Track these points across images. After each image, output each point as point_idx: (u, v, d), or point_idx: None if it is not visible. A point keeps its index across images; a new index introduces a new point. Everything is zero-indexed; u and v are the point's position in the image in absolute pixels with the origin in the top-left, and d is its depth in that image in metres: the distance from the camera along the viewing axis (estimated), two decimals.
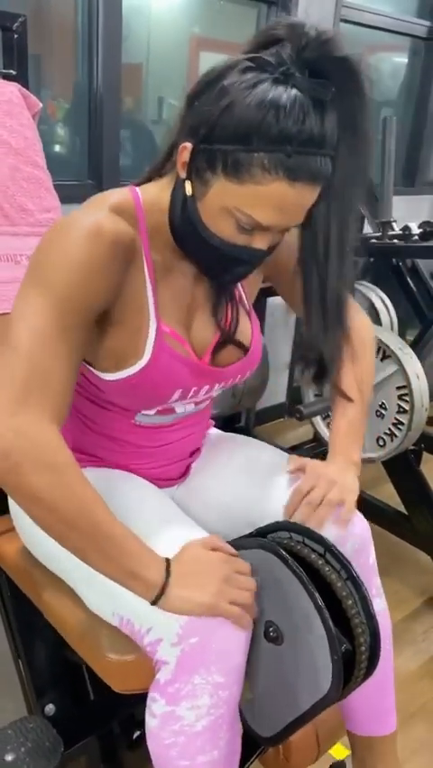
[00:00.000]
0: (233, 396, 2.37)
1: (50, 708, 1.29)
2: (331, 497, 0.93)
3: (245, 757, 1.05)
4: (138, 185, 0.89)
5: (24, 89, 1.41)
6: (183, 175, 0.80)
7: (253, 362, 1.00)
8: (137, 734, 1.35)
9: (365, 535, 0.98)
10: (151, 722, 0.84)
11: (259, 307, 2.74)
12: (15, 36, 1.61)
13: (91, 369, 0.89)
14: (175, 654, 0.81)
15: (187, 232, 0.83)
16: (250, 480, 1.05)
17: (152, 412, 0.95)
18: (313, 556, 0.83)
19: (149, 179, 0.90)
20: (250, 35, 0.77)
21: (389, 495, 2.31)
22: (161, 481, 1.06)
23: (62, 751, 1.17)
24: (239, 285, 0.99)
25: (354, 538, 0.95)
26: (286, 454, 1.09)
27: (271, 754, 1.07)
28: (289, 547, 0.84)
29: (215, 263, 0.85)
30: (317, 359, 0.94)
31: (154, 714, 0.84)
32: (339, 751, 1.63)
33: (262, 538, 0.88)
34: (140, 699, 1.33)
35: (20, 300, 0.79)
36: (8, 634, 1.34)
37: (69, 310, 0.78)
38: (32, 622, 1.30)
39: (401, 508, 2.17)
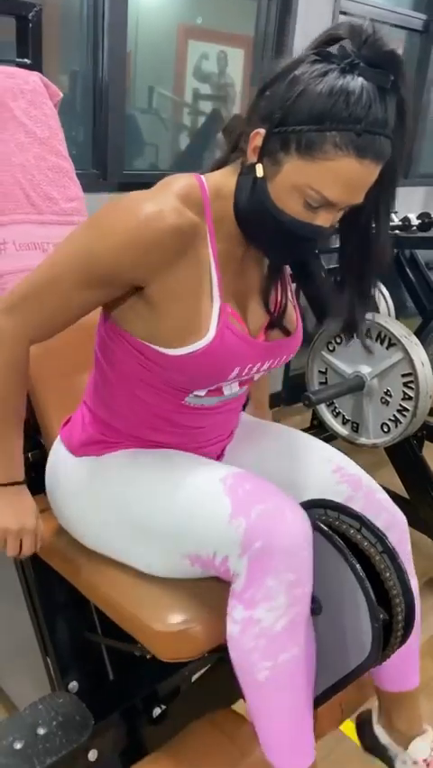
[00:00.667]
0: None
1: (73, 686, 1.33)
2: None
3: None
4: (201, 174, 0.94)
5: (45, 79, 1.42)
6: (254, 159, 0.86)
7: (295, 345, 1.06)
8: (158, 711, 1.39)
9: (404, 527, 1.10)
10: (232, 629, 0.88)
11: None
12: (30, 25, 1.62)
13: (154, 346, 0.93)
14: (244, 565, 0.86)
15: (254, 213, 0.88)
16: (286, 465, 1.10)
17: (202, 393, 0.99)
18: (351, 531, 0.87)
19: (213, 170, 0.95)
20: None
21: (388, 479, 2.36)
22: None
23: (93, 724, 1.21)
24: (287, 276, 1.05)
25: (399, 526, 1.07)
26: (321, 441, 1.15)
27: None
28: (327, 522, 0.88)
29: (280, 243, 0.90)
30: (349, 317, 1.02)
31: (235, 620, 0.88)
32: (348, 727, 1.69)
33: None
34: (159, 678, 1.38)
35: (68, 239, 0.92)
36: (32, 614, 1.37)
37: (94, 273, 0.89)
38: (56, 602, 1.34)
39: (402, 492, 2.23)
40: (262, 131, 0.84)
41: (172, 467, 1.00)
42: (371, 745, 1.21)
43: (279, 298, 1.02)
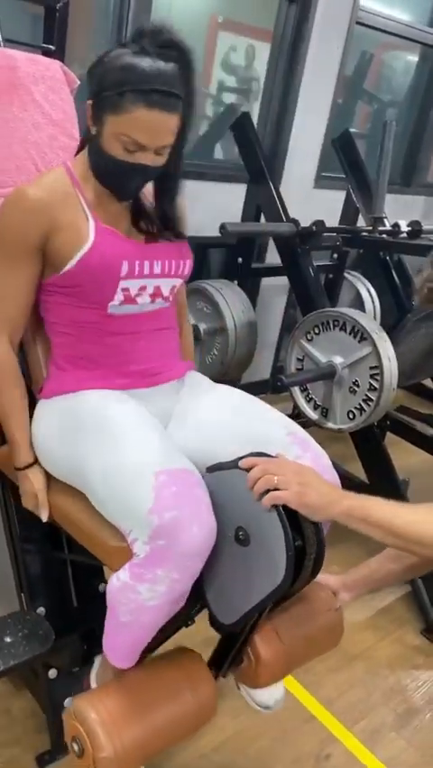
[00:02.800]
0: (221, 364, 2.57)
1: (41, 611, 1.50)
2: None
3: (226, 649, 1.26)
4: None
5: (65, 67, 1.57)
6: (91, 124, 1.16)
7: (179, 250, 1.30)
8: None
9: None
10: (114, 582, 1.09)
11: (252, 287, 2.93)
12: (57, 15, 1.78)
13: (56, 275, 1.21)
14: (146, 551, 1.04)
15: (96, 160, 1.19)
16: (243, 422, 1.26)
17: (117, 302, 1.22)
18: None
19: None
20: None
21: (355, 469, 2.53)
22: (146, 378, 1.29)
23: (53, 639, 1.38)
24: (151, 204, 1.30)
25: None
26: (274, 408, 1.30)
27: (246, 666, 1.27)
28: None
29: (116, 179, 1.18)
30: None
31: (119, 578, 1.08)
32: (291, 683, 1.86)
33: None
34: None
35: None
36: (9, 544, 1.54)
37: (11, 255, 1.19)
38: (33, 536, 1.51)
39: (365, 478, 2.40)
40: (90, 102, 1.14)
41: (124, 430, 1.14)
42: None
43: (151, 223, 1.27)
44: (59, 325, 1.27)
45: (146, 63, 1.08)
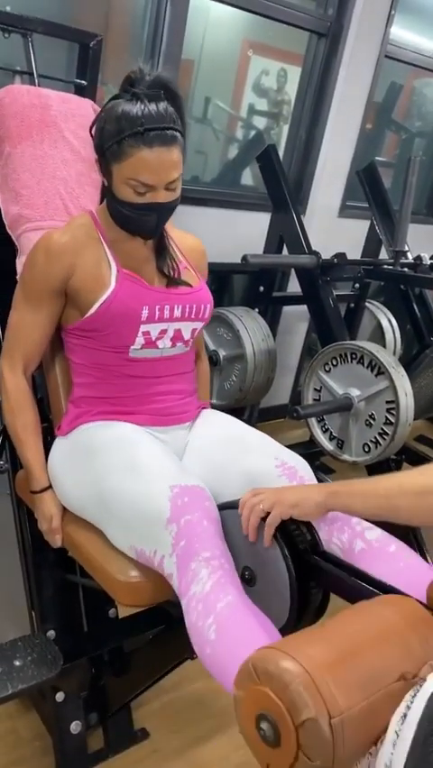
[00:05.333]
0: (239, 390, 2.60)
1: (51, 634, 1.52)
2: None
3: None
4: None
5: (96, 106, 1.63)
6: (102, 177, 1.24)
7: (199, 295, 1.35)
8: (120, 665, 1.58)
9: None
10: (186, 620, 1.03)
11: (273, 314, 2.96)
12: (91, 52, 1.84)
13: (80, 320, 1.26)
14: (174, 562, 1.06)
15: (113, 208, 1.25)
16: (234, 454, 1.28)
17: (138, 346, 1.27)
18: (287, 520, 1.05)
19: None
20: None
21: None
22: (163, 417, 1.32)
23: (61, 664, 1.41)
24: (182, 258, 1.37)
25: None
26: (268, 437, 1.32)
27: None
28: None
29: (134, 222, 1.24)
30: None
31: (184, 613, 1.04)
32: None
33: None
34: (125, 633, 1.57)
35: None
36: (23, 566, 1.57)
37: (33, 294, 1.27)
38: (46, 560, 1.54)
39: None
40: (96, 157, 1.23)
41: (140, 449, 1.19)
42: None
43: (173, 266, 1.33)
44: (83, 367, 1.32)
45: (138, 107, 1.13)
